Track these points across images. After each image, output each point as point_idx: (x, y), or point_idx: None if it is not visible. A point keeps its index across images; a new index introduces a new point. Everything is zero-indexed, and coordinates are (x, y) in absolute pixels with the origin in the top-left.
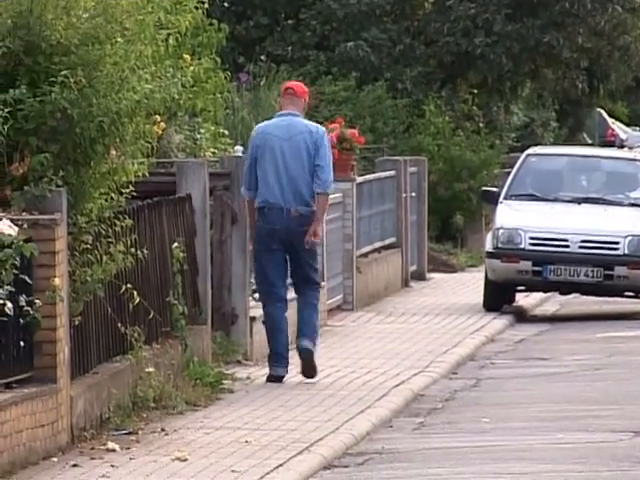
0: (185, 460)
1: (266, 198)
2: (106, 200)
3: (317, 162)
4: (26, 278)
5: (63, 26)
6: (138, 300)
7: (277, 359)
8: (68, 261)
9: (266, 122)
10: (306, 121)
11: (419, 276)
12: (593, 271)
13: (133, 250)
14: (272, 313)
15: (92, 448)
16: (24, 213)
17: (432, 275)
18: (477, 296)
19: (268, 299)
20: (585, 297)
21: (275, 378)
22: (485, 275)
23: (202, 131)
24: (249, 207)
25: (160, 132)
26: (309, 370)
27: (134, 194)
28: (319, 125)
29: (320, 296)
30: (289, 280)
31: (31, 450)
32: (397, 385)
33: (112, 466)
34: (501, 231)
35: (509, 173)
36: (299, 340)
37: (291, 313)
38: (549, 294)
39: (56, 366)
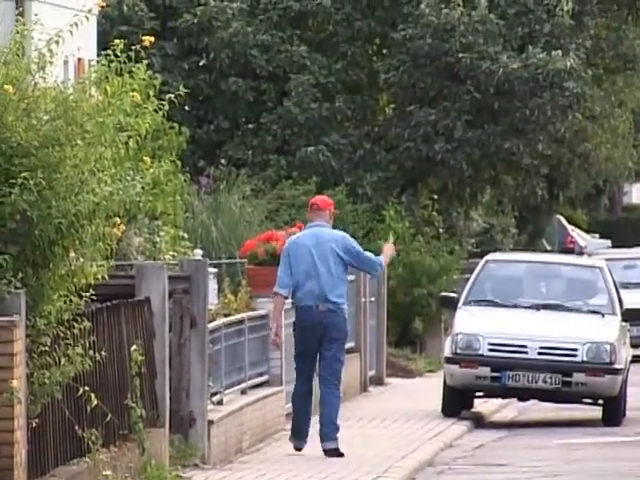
0: None
1: (298, 298)
2: (65, 302)
3: (360, 263)
4: None
5: (23, 128)
6: (96, 403)
7: (295, 433)
8: (26, 363)
9: (299, 233)
10: (331, 230)
11: (378, 381)
12: (552, 377)
13: (91, 353)
14: (300, 392)
15: None
16: None
17: (391, 380)
18: (436, 401)
19: (297, 376)
20: (544, 403)
21: (295, 449)
22: (444, 380)
23: (162, 234)
24: (276, 302)
25: (119, 234)
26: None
27: (93, 297)
28: (342, 232)
29: (341, 395)
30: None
31: None
32: None
33: None
34: (460, 336)
35: (468, 279)
36: (323, 443)
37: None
38: (507, 400)
39: (13, 468)
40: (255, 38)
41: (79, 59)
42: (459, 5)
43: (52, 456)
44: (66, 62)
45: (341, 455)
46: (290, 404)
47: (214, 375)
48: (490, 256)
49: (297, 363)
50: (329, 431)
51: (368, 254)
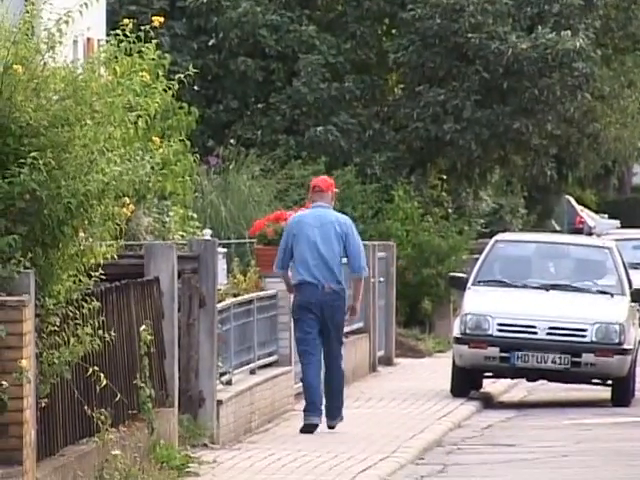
0: None
1: (303, 276)
2: (74, 282)
3: (348, 252)
4: None
5: (33, 108)
6: (105, 382)
7: (311, 408)
8: (35, 343)
9: (301, 212)
10: (335, 212)
11: (387, 361)
12: (561, 358)
13: (100, 332)
14: (307, 370)
15: None
16: None
17: (400, 360)
18: (444, 381)
19: (305, 358)
20: (552, 384)
21: (308, 426)
22: (453, 361)
23: (171, 214)
24: (285, 279)
25: (129, 214)
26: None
27: (102, 276)
28: (346, 216)
29: (343, 365)
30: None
31: None
32: (364, 470)
33: None
34: (469, 317)
35: (477, 259)
36: (327, 420)
37: None
38: (516, 380)
39: (22, 448)
40: (264, 18)
41: (88, 39)
42: None
43: (61, 436)
44: (75, 42)
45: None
46: (300, 384)
47: (223, 355)
48: (499, 236)
49: (301, 345)
50: (338, 407)
51: (361, 252)
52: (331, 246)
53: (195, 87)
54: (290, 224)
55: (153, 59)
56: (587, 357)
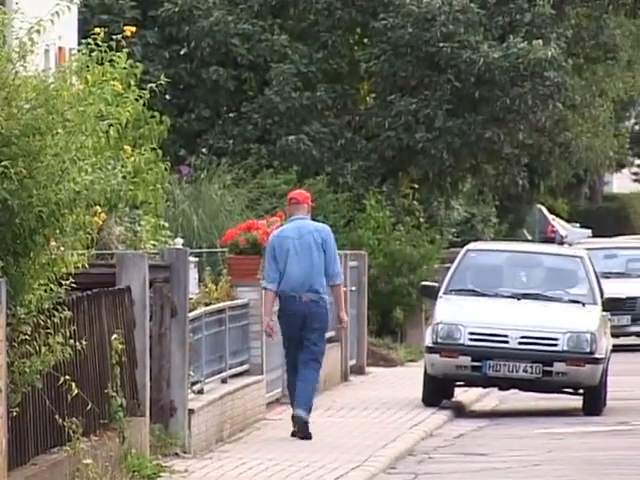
0: None
1: (283, 288)
2: (45, 291)
3: (327, 259)
4: None
5: (4, 117)
6: (76, 392)
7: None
8: (6, 352)
9: (282, 227)
10: (314, 222)
11: (358, 370)
12: (532, 367)
13: (72, 341)
14: (290, 377)
15: None
16: None
17: (371, 369)
18: (416, 391)
19: (288, 364)
20: (524, 393)
21: (297, 418)
22: (424, 370)
23: (142, 223)
24: (266, 297)
25: (100, 223)
26: (302, 436)
27: (73, 285)
28: (324, 225)
29: (319, 377)
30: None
31: None
32: (335, 479)
33: None
34: (440, 326)
35: (449, 268)
36: (294, 410)
37: None
38: (488, 389)
39: None
40: (236, 27)
41: (60, 48)
42: None
43: (32, 445)
44: (47, 51)
45: (309, 437)
46: (270, 393)
47: (195, 364)
48: (471, 245)
49: (285, 347)
50: (302, 402)
51: (337, 259)
52: (310, 256)
53: (167, 96)
54: (271, 240)
55: (125, 68)
56: (558, 366)
